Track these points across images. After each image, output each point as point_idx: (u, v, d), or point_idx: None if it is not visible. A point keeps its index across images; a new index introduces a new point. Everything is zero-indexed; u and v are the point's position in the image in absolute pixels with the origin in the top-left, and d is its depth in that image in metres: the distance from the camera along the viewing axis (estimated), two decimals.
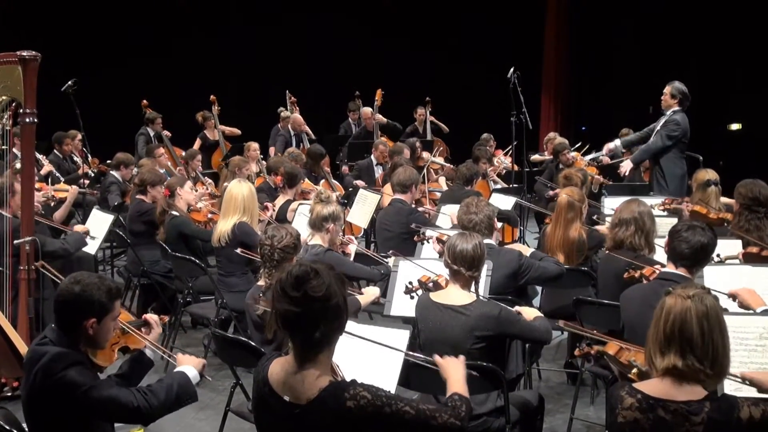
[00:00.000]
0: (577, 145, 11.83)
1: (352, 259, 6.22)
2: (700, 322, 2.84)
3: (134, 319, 4.03)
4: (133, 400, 3.40)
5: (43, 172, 8.86)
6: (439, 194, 9.17)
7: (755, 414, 2.81)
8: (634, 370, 3.16)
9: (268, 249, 4.73)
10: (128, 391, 3.44)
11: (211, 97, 12.31)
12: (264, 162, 10.05)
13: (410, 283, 4.73)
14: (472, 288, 4.38)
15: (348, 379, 2.89)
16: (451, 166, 10.95)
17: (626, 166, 8.67)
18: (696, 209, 6.40)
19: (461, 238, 4.37)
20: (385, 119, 12.85)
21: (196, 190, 7.76)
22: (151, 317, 3.97)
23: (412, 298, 4.72)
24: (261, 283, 4.83)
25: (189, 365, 3.71)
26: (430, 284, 4.58)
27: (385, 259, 6.22)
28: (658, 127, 8.38)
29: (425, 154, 11.13)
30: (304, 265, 2.85)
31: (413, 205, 7.58)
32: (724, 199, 6.91)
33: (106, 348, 3.69)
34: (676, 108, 8.32)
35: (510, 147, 9.13)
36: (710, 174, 6.82)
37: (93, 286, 3.43)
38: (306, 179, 8.86)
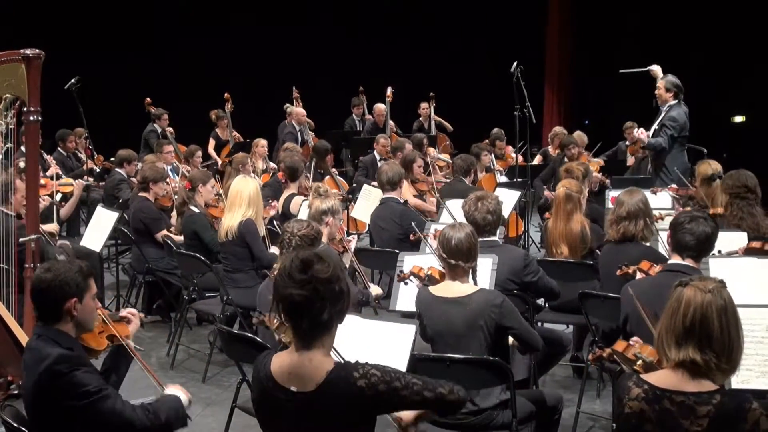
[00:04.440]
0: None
1: (351, 252, 6.22)
2: (719, 316, 2.82)
3: (111, 313, 4.06)
4: (136, 419, 3.42)
5: (49, 173, 8.88)
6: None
7: (764, 425, 2.76)
8: (639, 362, 3.16)
9: (288, 236, 4.77)
10: (132, 407, 3.46)
11: (225, 95, 12.30)
12: (269, 160, 10.08)
13: (401, 271, 4.75)
14: (472, 279, 4.39)
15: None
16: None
17: (642, 135, 8.49)
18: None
19: (452, 230, 4.35)
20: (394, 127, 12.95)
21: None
22: (129, 311, 4.02)
23: (406, 284, 4.75)
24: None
25: (179, 391, 3.73)
26: (424, 277, 4.58)
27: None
28: (656, 125, 8.38)
29: (431, 150, 11.12)
30: (307, 251, 2.89)
31: (408, 199, 7.58)
32: None
33: (94, 331, 3.71)
34: (672, 102, 8.32)
35: (519, 145, 9.08)
36: (713, 166, 6.79)
37: (64, 269, 3.48)
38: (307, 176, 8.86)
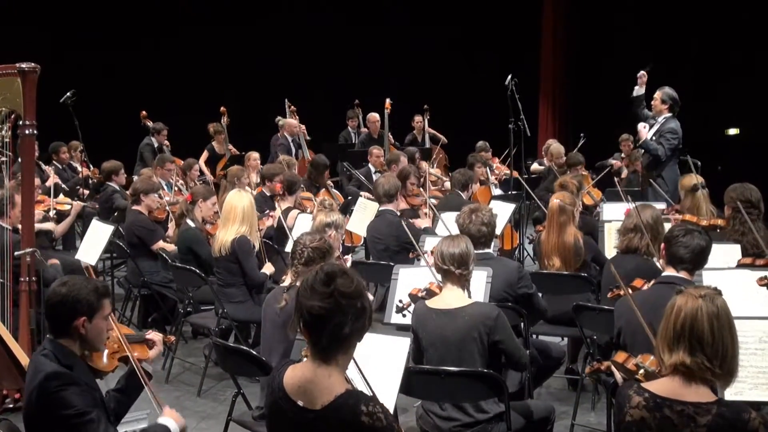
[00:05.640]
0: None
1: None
2: (710, 320, 2.86)
3: (135, 334, 4.07)
4: None
5: (48, 183, 8.88)
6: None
7: None
8: (641, 371, 3.18)
9: (300, 248, 4.79)
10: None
11: (222, 108, 12.31)
12: None
13: (400, 301, 4.75)
14: (466, 291, 4.41)
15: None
16: (447, 179, 10.97)
17: (644, 129, 8.42)
18: (686, 218, 6.40)
19: (447, 241, 4.42)
20: (392, 139, 12.92)
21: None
22: (156, 335, 4.03)
23: (404, 316, 4.75)
24: (286, 283, 4.88)
25: (171, 419, 3.72)
26: (423, 293, 4.60)
27: None
28: (652, 133, 8.38)
29: (423, 164, 11.13)
30: (333, 265, 2.90)
31: (403, 211, 7.60)
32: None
33: (102, 351, 3.71)
34: (668, 114, 8.33)
35: (505, 153, 9.10)
36: (695, 179, 6.86)
37: (79, 286, 3.50)
38: (303, 189, 8.88)
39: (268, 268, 6.69)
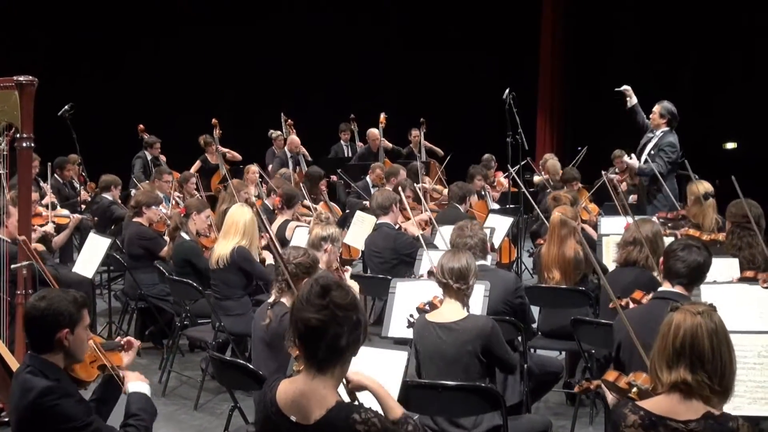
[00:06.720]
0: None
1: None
2: (710, 337, 2.86)
3: (107, 342, 4.06)
4: None
5: (45, 201, 8.86)
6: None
7: None
8: (634, 390, 3.16)
9: (283, 264, 4.76)
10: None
11: (213, 120, 12.33)
12: (263, 185, 10.09)
13: (411, 316, 4.74)
14: (466, 307, 4.41)
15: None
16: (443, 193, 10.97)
17: (632, 161, 8.50)
18: (689, 233, 6.43)
19: (449, 255, 4.46)
20: (390, 144, 12.87)
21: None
22: (127, 339, 4.02)
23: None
24: (271, 300, 4.86)
25: (139, 381, 3.74)
26: (427, 307, 4.62)
27: None
28: (650, 147, 8.38)
29: (427, 179, 11.12)
30: (328, 277, 2.90)
31: (399, 223, 7.61)
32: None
33: (84, 361, 3.70)
34: (665, 128, 8.34)
35: (509, 171, 9.10)
36: (704, 186, 6.88)
37: (58, 299, 3.47)
38: (304, 200, 8.89)
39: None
